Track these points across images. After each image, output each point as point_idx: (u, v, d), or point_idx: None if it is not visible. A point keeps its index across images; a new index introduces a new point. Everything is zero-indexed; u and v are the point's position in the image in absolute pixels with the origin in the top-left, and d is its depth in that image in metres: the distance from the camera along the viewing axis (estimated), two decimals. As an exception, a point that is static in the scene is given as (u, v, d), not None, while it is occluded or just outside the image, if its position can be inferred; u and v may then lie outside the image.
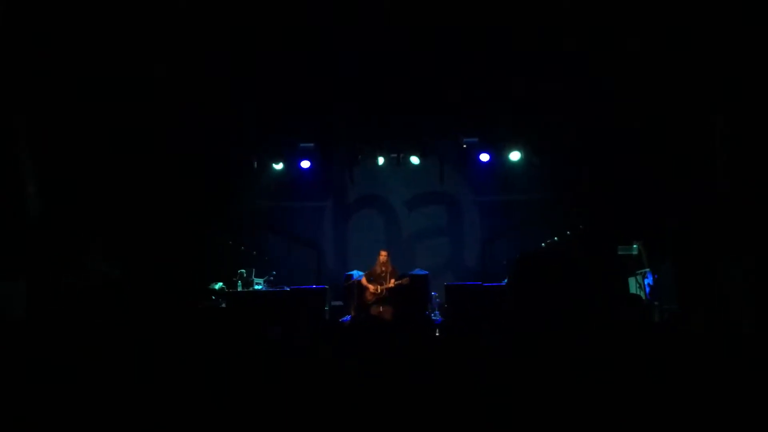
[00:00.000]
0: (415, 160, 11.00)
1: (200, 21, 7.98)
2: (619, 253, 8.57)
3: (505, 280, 9.10)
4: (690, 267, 7.21)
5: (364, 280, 9.17)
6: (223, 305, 9.31)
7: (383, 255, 9.29)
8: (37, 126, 8.20)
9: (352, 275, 9.53)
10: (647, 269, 8.37)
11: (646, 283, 8.35)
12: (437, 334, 4.99)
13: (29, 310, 7.08)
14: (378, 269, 9.20)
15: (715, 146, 7.25)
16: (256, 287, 9.94)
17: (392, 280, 9.03)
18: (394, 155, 11.08)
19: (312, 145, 10.95)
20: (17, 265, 7.48)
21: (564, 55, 8.40)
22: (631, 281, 8.62)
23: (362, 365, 3.16)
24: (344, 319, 9.13)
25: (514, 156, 10.77)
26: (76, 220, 8.70)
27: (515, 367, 3.23)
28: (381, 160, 11.16)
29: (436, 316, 9.61)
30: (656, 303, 7.98)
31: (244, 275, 9.97)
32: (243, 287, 9.82)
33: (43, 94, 8.16)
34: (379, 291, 9.01)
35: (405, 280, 8.99)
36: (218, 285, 9.70)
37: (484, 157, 10.84)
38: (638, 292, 8.39)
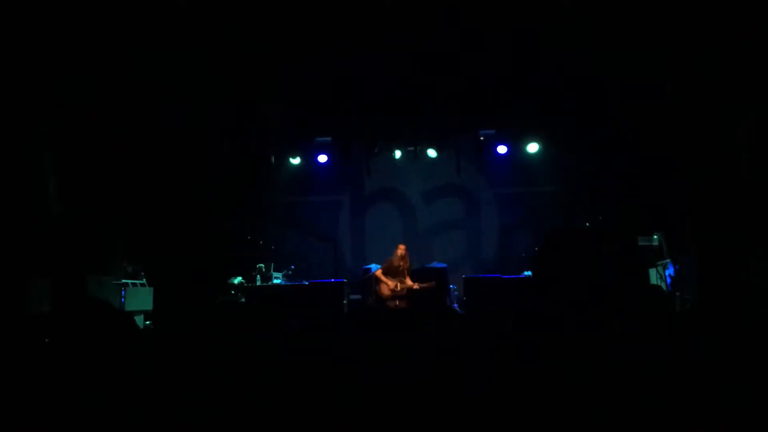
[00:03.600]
0: (431, 152, 10.98)
1: (216, 17, 8.01)
2: (640, 243, 8.49)
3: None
4: (713, 257, 7.12)
5: (379, 272, 9.07)
6: (243, 300, 9.37)
7: (401, 249, 9.19)
8: (58, 124, 8.30)
9: (370, 268, 9.52)
10: (668, 260, 8.29)
11: (666, 273, 8.27)
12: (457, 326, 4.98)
13: (54, 307, 7.17)
14: (395, 263, 9.11)
15: (738, 137, 7.14)
16: (275, 281, 9.99)
17: (416, 284, 8.82)
18: (411, 148, 11.07)
19: (329, 139, 10.97)
20: (42, 262, 7.58)
21: (583, 47, 8.31)
22: (652, 272, 8.54)
23: (381, 355, 3.17)
24: (363, 312, 9.13)
25: (532, 148, 10.70)
26: (97, 219, 8.80)
27: (535, 358, 3.22)
28: (398, 154, 11.16)
29: (455, 309, 9.58)
30: (677, 294, 7.90)
31: (263, 270, 10.02)
32: (262, 281, 9.88)
33: (63, 93, 8.25)
34: (398, 289, 8.87)
35: (431, 285, 8.76)
36: (237, 279, 9.76)
37: (502, 149, 10.79)
38: (659, 283, 8.31)
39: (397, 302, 8.84)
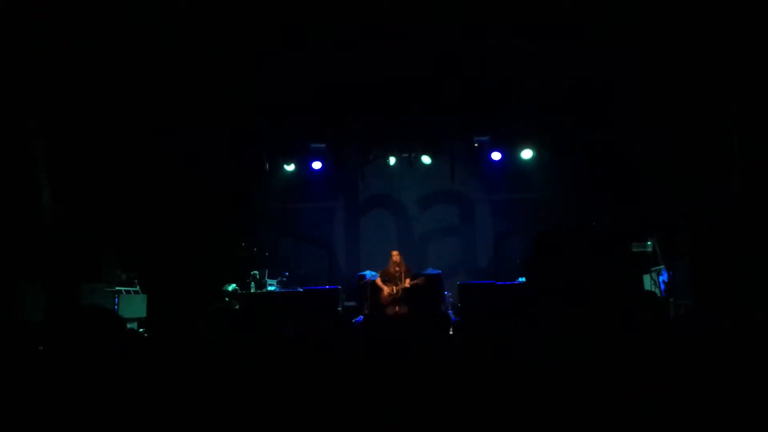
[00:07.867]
0: (426, 159, 11.00)
1: (209, 21, 7.99)
2: (634, 250, 8.51)
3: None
4: (708, 263, 7.14)
5: (378, 281, 9.15)
6: (237, 307, 9.34)
7: (395, 255, 9.27)
8: (52, 132, 8.27)
9: (364, 275, 9.52)
10: (662, 266, 8.31)
11: (660, 280, 8.29)
12: (451, 332, 4.98)
13: (47, 313, 7.13)
14: (392, 269, 9.17)
15: (731, 142, 7.17)
16: (269, 288, 9.96)
17: (407, 280, 9.00)
18: (406, 155, 11.08)
19: (323, 145, 10.97)
20: (35, 269, 7.53)
21: (576, 52, 8.34)
22: (646, 278, 8.56)
23: (379, 363, 3.16)
24: (357, 319, 9.12)
25: (526, 154, 10.73)
26: (91, 225, 8.76)
27: (530, 365, 3.22)
28: (392, 160, 11.17)
29: (450, 315, 9.58)
30: (671, 300, 7.91)
31: (257, 276, 9.99)
32: (256, 288, 9.84)
33: (58, 101, 8.23)
34: (394, 291, 8.97)
35: (420, 280, 8.95)
36: (231, 287, 9.72)
37: (496, 156, 10.81)
38: (653, 289, 8.33)
39: (397, 308, 8.90)
